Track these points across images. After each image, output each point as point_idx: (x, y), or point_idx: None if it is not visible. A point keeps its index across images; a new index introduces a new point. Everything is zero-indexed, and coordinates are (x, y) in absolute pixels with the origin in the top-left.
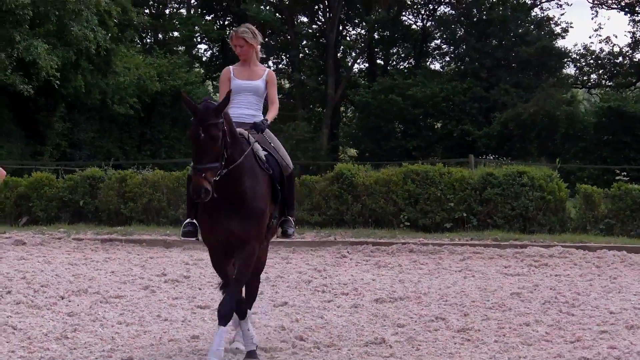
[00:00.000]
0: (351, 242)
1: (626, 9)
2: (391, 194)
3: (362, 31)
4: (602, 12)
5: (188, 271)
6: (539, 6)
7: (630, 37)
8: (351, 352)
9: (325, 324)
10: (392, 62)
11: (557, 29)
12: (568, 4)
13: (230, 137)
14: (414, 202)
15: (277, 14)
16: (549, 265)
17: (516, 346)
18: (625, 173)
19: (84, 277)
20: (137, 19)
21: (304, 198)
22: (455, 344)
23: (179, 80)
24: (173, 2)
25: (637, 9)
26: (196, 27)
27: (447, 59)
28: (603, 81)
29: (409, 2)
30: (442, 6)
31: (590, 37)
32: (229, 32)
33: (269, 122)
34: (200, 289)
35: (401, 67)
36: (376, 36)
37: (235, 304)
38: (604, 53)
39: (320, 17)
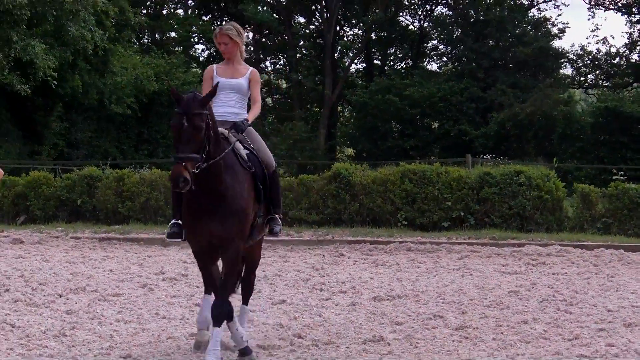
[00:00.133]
0: (349, 240)
1: (623, 10)
2: (389, 193)
3: (360, 31)
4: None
5: (186, 269)
6: (536, 7)
7: (627, 38)
8: (349, 350)
9: (323, 322)
10: (390, 62)
11: (554, 30)
12: (565, 5)
13: (212, 133)
14: (411, 202)
15: (275, 15)
16: (547, 263)
17: (514, 344)
18: (622, 173)
19: (82, 276)
20: (134, 19)
21: (302, 197)
22: (453, 341)
23: (176, 80)
24: (170, 3)
25: (634, 9)
26: (193, 28)
27: (444, 59)
28: (600, 81)
29: (406, 3)
30: (439, 7)
31: (587, 38)
32: (214, 30)
33: (249, 122)
34: (198, 287)
35: (398, 67)
36: (373, 36)
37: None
38: (601, 54)
39: (317, 18)
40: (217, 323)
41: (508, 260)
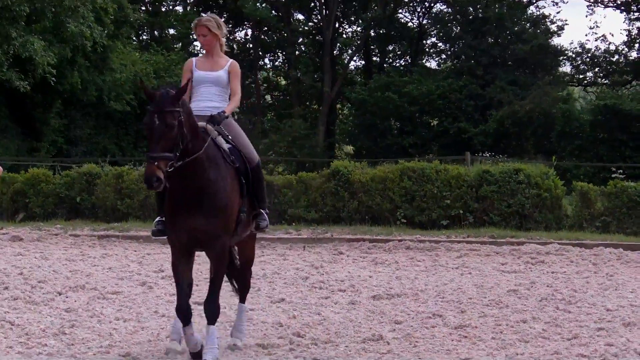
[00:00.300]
0: (348, 239)
1: (622, 7)
2: (388, 191)
3: (359, 29)
4: (598, 10)
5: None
6: (535, 4)
7: (626, 35)
8: (349, 349)
9: (322, 321)
10: (389, 59)
11: (553, 27)
12: (564, 2)
13: (188, 129)
14: (410, 199)
15: (274, 11)
16: (546, 262)
17: (513, 343)
18: (621, 171)
19: (81, 273)
20: (133, 15)
21: (301, 195)
22: (452, 340)
23: (175, 77)
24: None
25: (632, 7)
26: (192, 25)
27: (443, 56)
28: (599, 79)
29: (405, 0)
30: (438, 4)
31: (586, 35)
32: (193, 22)
33: (227, 114)
34: (197, 285)
35: (397, 64)
36: (372, 34)
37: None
38: (600, 51)
39: (316, 15)
40: (211, 321)
41: (507, 258)
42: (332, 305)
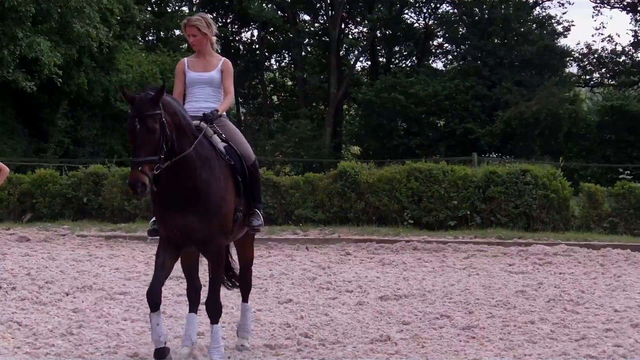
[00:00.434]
0: (355, 239)
1: (628, 9)
2: (395, 191)
3: (365, 29)
4: (605, 11)
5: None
6: (541, 5)
7: (632, 36)
8: (356, 350)
9: (330, 321)
10: (395, 60)
11: (559, 28)
12: (570, 3)
13: (173, 129)
14: (417, 200)
15: (279, 12)
16: (553, 263)
17: (521, 344)
18: (628, 172)
19: (89, 274)
20: (139, 16)
21: (308, 196)
22: (460, 341)
23: None
24: (175, 0)
25: (639, 8)
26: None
27: (450, 57)
28: (605, 80)
29: (411, 0)
30: (443, 5)
31: (592, 36)
32: (182, 22)
33: (219, 112)
34: (205, 285)
35: (403, 65)
36: (378, 34)
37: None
38: (607, 52)
39: (322, 15)
40: (214, 320)
41: (514, 259)
42: (339, 306)
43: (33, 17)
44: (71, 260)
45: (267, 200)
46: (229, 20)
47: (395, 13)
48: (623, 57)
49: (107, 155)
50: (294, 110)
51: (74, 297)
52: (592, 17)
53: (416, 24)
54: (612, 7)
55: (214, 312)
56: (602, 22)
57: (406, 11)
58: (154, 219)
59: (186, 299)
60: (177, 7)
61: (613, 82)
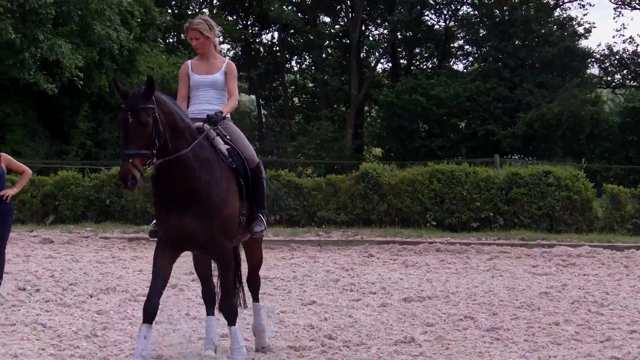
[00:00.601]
0: (378, 241)
1: None
2: (417, 193)
3: (385, 31)
4: (626, 12)
5: (215, 269)
6: (561, 7)
7: None
8: (380, 351)
9: (353, 323)
10: (416, 62)
11: (580, 30)
12: (590, 5)
13: (167, 127)
14: (440, 202)
15: (300, 14)
16: (577, 264)
17: (546, 345)
18: None
19: (112, 276)
20: (159, 18)
21: (330, 197)
22: (484, 343)
23: None
24: (195, 2)
25: None
26: (219, 27)
27: (470, 59)
28: (627, 81)
29: (431, 2)
30: (464, 6)
31: (613, 37)
32: (185, 25)
33: (224, 114)
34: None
35: (424, 67)
36: (399, 36)
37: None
38: (628, 53)
39: (342, 17)
40: (231, 322)
41: (538, 261)
42: (363, 308)
43: (54, 19)
44: (94, 262)
45: (290, 202)
46: (249, 23)
47: (416, 15)
48: None
49: None
50: (315, 112)
51: (98, 299)
52: (613, 18)
53: (437, 26)
54: (633, 8)
55: (229, 314)
56: (623, 24)
57: (426, 13)
58: (154, 220)
59: None
60: (197, 10)
61: (635, 84)
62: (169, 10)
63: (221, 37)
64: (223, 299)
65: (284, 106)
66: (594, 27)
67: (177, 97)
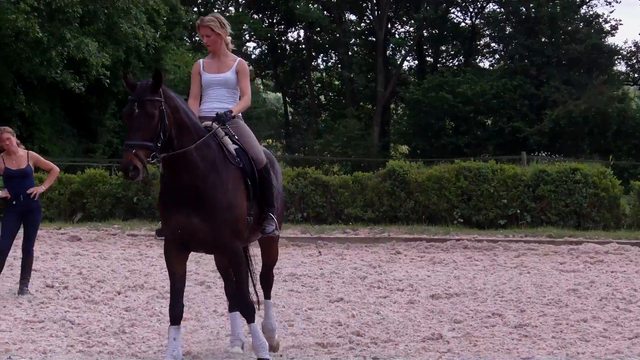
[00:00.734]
0: (405, 238)
1: None
2: (444, 190)
3: (411, 29)
4: None
5: None
6: (587, 4)
7: None
8: (408, 348)
9: (381, 320)
10: (442, 59)
11: (607, 27)
12: (617, 2)
13: (173, 122)
14: (467, 199)
15: (326, 12)
16: (605, 261)
17: (574, 342)
18: None
19: (140, 273)
20: (185, 17)
21: (357, 195)
22: (512, 339)
23: None
24: (221, 1)
25: None
26: (244, 26)
27: (497, 56)
28: None
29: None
30: (490, 4)
31: None
32: (196, 23)
33: (234, 114)
34: (254, 284)
35: (450, 64)
36: (425, 33)
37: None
38: None
39: (368, 15)
40: (249, 320)
41: (565, 258)
42: (390, 305)
43: (80, 18)
44: (122, 259)
45: (317, 199)
46: (275, 21)
47: (442, 12)
48: None
49: None
50: (342, 109)
51: (126, 296)
52: None
53: (463, 23)
54: None
55: (247, 312)
56: None
57: (452, 10)
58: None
59: None
60: (223, 8)
61: None
62: (195, 9)
63: (247, 35)
64: (239, 298)
65: (311, 104)
66: (620, 24)
67: (189, 96)
